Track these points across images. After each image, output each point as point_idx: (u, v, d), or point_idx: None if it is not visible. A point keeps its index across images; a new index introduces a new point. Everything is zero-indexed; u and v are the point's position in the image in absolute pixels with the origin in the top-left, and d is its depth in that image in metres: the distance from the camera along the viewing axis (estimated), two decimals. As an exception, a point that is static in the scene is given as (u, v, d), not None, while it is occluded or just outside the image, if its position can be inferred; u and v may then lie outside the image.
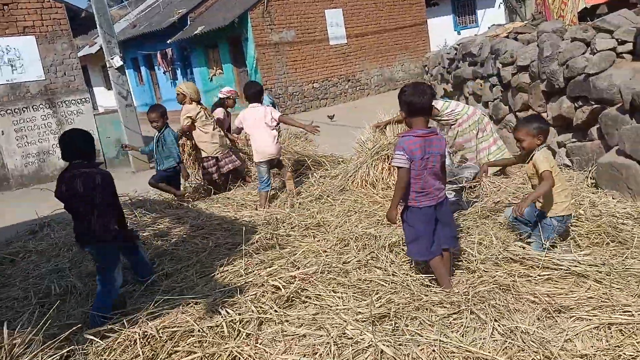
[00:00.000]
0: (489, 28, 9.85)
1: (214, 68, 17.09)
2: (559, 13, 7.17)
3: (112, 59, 9.29)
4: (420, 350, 2.41)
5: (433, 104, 5.55)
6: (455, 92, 8.62)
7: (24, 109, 9.42)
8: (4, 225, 6.42)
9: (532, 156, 3.31)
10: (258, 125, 5.25)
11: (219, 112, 6.52)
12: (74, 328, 2.90)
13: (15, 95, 9.34)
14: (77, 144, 3.32)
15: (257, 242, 4.20)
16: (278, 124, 5.44)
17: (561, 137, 5.55)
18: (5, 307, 3.61)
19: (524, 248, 3.31)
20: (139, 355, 2.64)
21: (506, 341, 2.42)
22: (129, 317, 2.96)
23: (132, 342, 2.73)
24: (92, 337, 2.81)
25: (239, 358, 2.54)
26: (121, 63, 9.34)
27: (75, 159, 3.29)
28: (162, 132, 5.66)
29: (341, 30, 16.19)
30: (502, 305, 2.73)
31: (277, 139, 5.38)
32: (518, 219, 3.47)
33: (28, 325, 3.00)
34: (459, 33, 18.29)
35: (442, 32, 18.06)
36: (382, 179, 5.24)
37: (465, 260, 3.32)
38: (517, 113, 6.32)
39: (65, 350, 2.67)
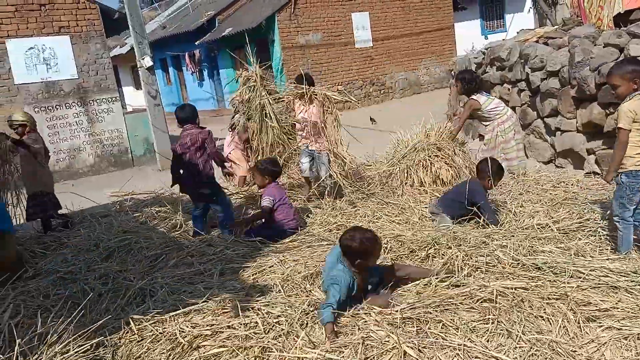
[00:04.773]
0: (517, 33, 9.69)
1: (240, 69, 17.26)
2: (597, 16, 7.00)
3: (142, 59, 9.49)
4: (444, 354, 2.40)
5: (475, 97, 5.50)
6: (482, 97, 8.53)
7: (57, 106, 9.69)
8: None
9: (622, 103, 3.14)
10: None
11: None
12: (104, 319, 2.97)
13: (49, 93, 9.62)
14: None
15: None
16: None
17: (591, 144, 5.44)
18: (35, 297, 3.69)
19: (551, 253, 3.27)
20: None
21: (532, 348, 2.39)
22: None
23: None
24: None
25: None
26: (151, 63, 9.54)
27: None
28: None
29: (367, 33, 16.20)
30: (529, 313, 2.70)
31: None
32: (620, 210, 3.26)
33: (60, 316, 3.08)
34: (486, 38, 18.10)
35: (469, 36, 17.89)
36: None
37: (491, 265, 3.29)
38: (545, 119, 6.23)
39: (95, 340, 2.75)
